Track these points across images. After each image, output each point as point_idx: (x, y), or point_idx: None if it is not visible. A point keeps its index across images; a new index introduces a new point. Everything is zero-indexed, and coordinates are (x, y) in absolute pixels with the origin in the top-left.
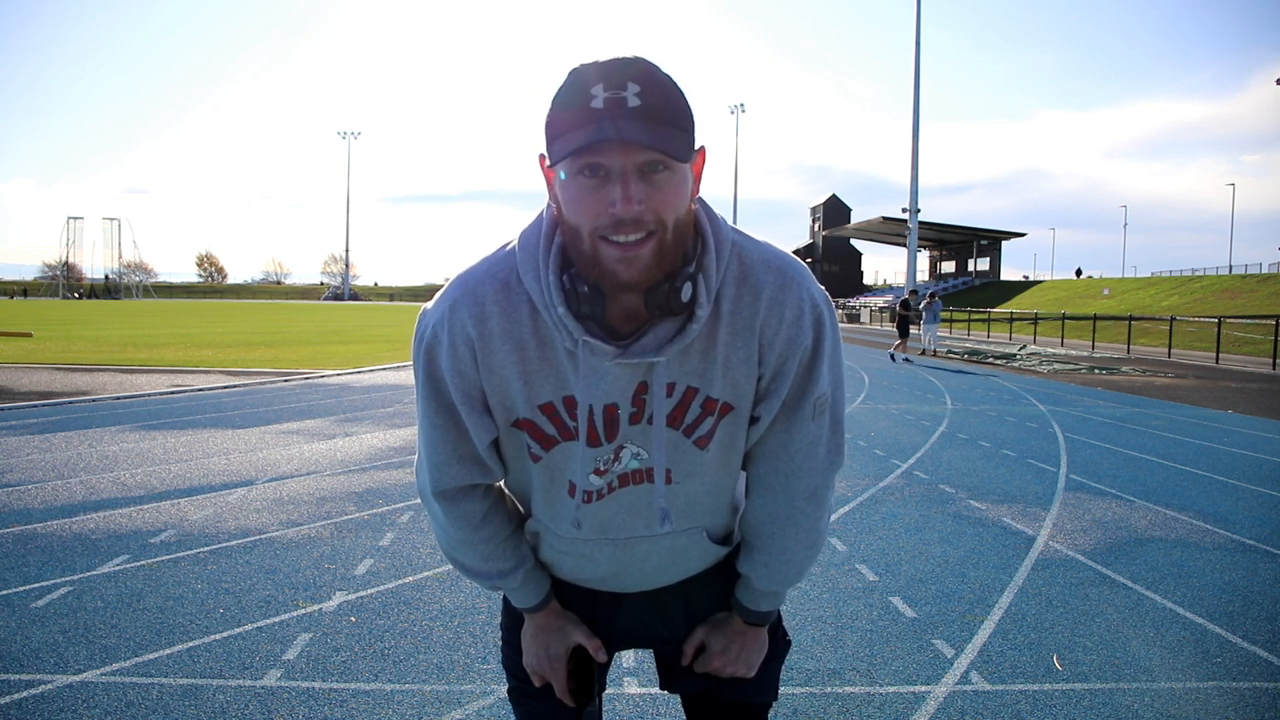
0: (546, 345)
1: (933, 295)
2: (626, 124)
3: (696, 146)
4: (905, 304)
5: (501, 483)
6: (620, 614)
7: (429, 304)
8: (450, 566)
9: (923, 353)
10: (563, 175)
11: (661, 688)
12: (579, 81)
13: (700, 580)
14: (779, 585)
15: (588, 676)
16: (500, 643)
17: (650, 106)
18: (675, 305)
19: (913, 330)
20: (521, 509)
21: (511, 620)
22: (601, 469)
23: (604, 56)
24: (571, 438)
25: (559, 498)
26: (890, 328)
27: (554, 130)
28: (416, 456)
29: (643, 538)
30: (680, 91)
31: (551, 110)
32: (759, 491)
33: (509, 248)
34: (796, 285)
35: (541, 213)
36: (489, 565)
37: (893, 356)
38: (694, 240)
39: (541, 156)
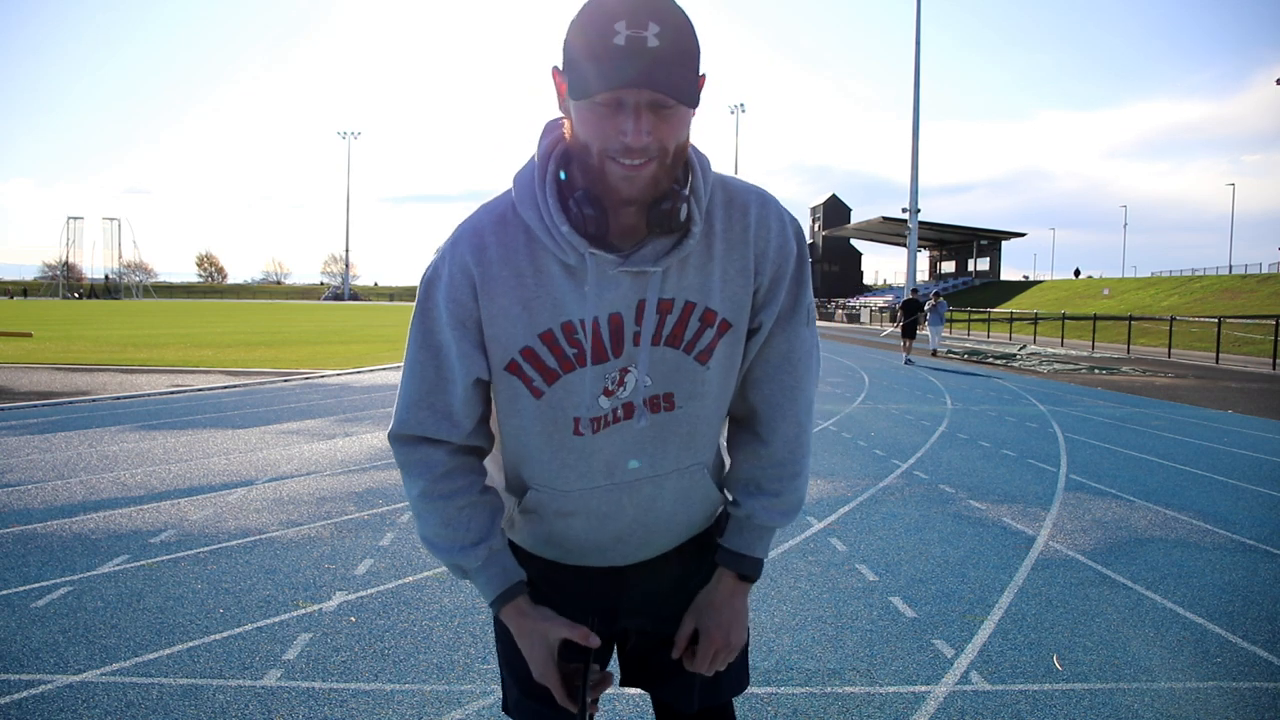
0: (543, 273)
1: (937, 295)
2: (645, 66)
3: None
4: (913, 304)
5: (487, 455)
6: (621, 594)
7: (436, 250)
8: None
9: (934, 353)
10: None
11: (625, 684)
12: (601, 13)
13: (693, 550)
14: (784, 518)
15: (582, 673)
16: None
17: (667, 48)
18: (674, 222)
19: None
20: (518, 481)
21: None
22: (610, 389)
23: None
24: (572, 368)
25: (564, 442)
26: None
27: (574, 55)
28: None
29: (648, 479)
30: (693, 30)
31: (572, 34)
32: (767, 414)
33: (505, 192)
34: (775, 203)
35: (533, 156)
36: (450, 532)
37: (907, 360)
38: (684, 166)
39: (556, 69)
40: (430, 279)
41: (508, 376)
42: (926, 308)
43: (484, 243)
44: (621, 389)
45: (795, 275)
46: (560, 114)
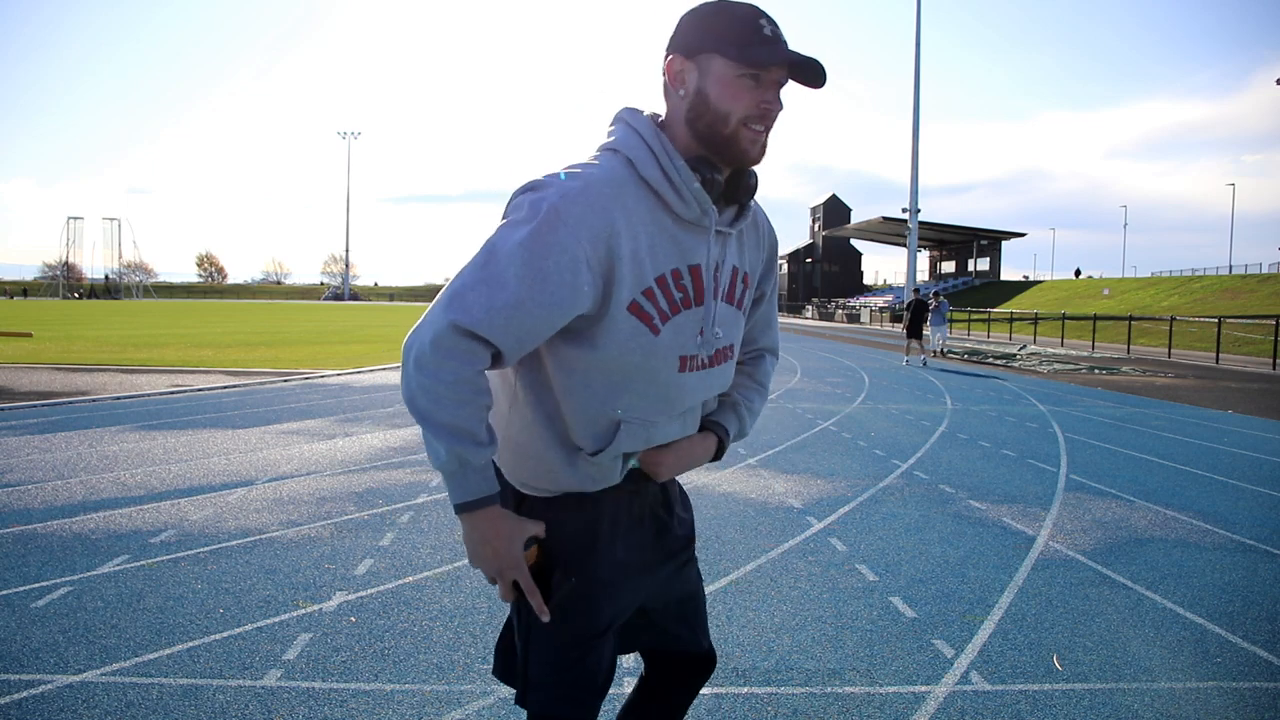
0: (660, 224)
1: (938, 295)
2: (785, 53)
3: None
4: (920, 305)
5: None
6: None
7: (546, 184)
8: (451, 566)
9: (941, 354)
10: (715, 72)
11: (622, 651)
12: (742, 13)
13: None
14: (760, 402)
15: (549, 569)
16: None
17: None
18: (752, 193)
19: (934, 330)
20: (600, 421)
21: (532, 620)
22: (703, 332)
23: None
24: (679, 310)
25: (670, 378)
26: (892, 327)
27: (726, 42)
28: (441, 299)
29: (693, 414)
30: None
31: (719, 27)
32: (761, 355)
33: (589, 165)
34: None
35: (624, 132)
36: (470, 426)
37: (924, 362)
38: None
39: (675, 57)
40: (557, 210)
41: (628, 316)
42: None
43: (619, 193)
44: (708, 335)
45: (775, 259)
46: (627, 107)
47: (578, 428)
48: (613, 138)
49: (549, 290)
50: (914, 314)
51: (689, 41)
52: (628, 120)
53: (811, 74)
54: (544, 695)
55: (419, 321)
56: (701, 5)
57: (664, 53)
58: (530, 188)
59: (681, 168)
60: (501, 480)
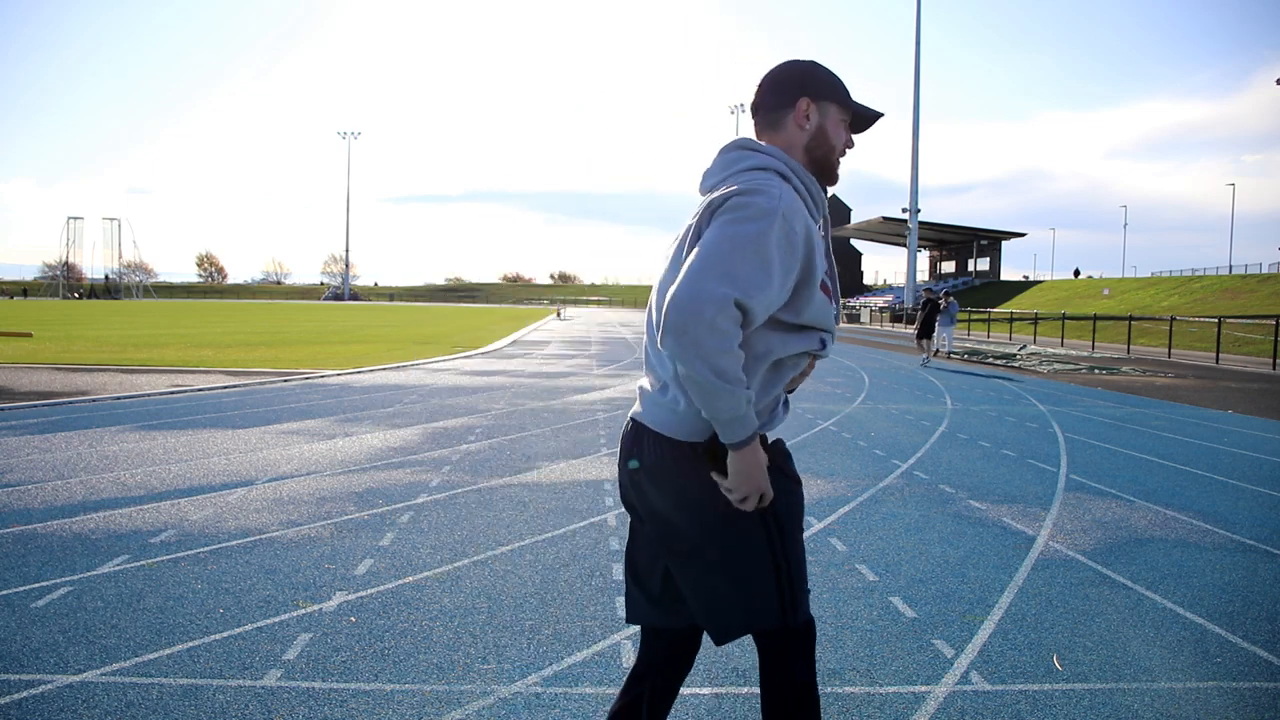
0: (813, 229)
1: (947, 295)
2: (872, 110)
3: None
4: (933, 303)
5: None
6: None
7: (761, 190)
8: (451, 566)
9: (948, 355)
10: (831, 115)
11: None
12: (837, 75)
13: None
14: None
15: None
16: (779, 576)
17: None
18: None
19: (941, 330)
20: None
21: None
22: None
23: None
24: (829, 297)
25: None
26: (891, 327)
27: (836, 91)
28: (708, 277)
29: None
30: None
31: (834, 82)
32: None
33: (768, 177)
34: None
35: (771, 152)
36: (740, 377)
37: (925, 362)
38: None
39: (805, 100)
40: (787, 214)
41: (822, 294)
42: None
43: (803, 204)
44: (838, 314)
45: None
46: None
47: (776, 379)
48: (763, 160)
49: (789, 269)
50: (927, 313)
51: (817, 90)
52: (766, 151)
53: (867, 124)
54: (805, 601)
55: (688, 297)
56: (814, 64)
57: (790, 95)
58: (750, 192)
59: (812, 183)
60: (702, 422)
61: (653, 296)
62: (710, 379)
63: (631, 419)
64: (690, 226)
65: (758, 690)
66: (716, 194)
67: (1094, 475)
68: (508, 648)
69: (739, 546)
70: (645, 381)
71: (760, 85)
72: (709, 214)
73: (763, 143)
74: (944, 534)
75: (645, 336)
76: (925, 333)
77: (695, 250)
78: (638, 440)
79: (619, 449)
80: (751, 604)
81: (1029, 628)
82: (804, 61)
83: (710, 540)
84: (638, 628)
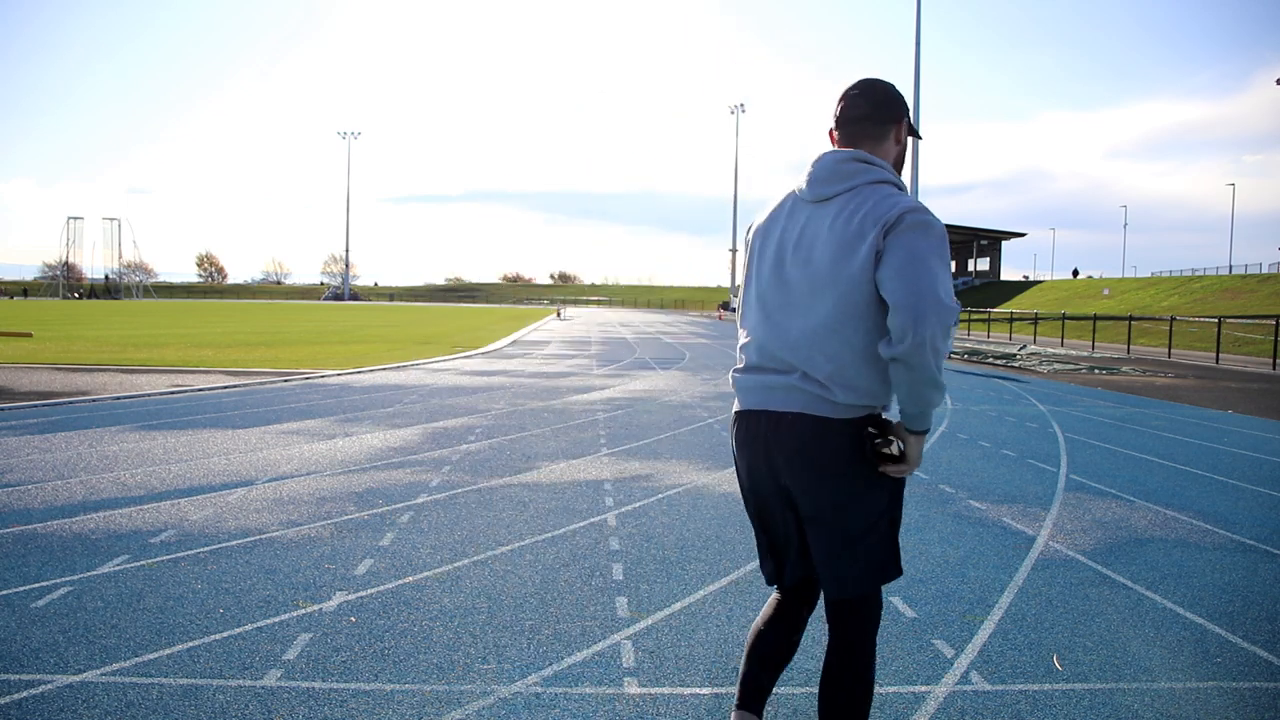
0: None
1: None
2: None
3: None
4: None
5: None
6: None
7: (924, 209)
8: (451, 566)
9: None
10: (906, 133)
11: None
12: None
13: None
14: None
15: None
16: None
17: None
18: None
19: None
20: None
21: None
22: None
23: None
24: None
25: None
26: None
27: (912, 121)
28: (936, 291)
29: None
30: None
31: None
32: None
33: (902, 193)
34: None
35: (886, 166)
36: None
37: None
38: None
39: (904, 120)
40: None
41: None
42: None
43: None
44: None
45: None
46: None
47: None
48: (883, 175)
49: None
50: None
51: (907, 112)
52: (882, 165)
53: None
54: (899, 558)
55: (926, 312)
56: (894, 86)
57: (894, 112)
58: (920, 210)
59: None
60: (852, 407)
61: (780, 288)
62: (936, 377)
63: (773, 411)
64: (829, 221)
65: None
66: (870, 207)
67: (1094, 475)
68: (508, 648)
69: (885, 512)
70: (785, 380)
71: (858, 97)
72: (883, 229)
73: (874, 156)
74: (944, 534)
75: (766, 335)
76: None
77: (903, 266)
78: (797, 428)
79: (754, 438)
80: (868, 563)
81: (1029, 628)
82: (891, 84)
83: (859, 507)
84: (636, 628)
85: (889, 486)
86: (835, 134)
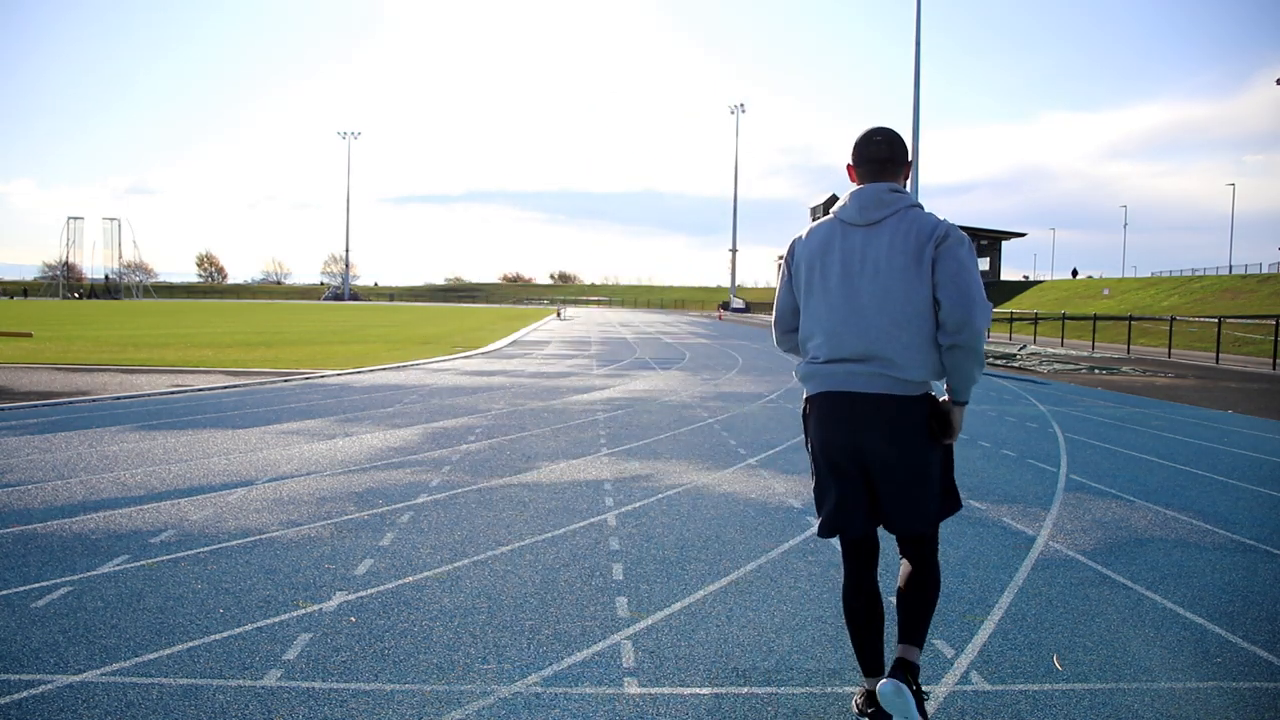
0: None
1: None
2: None
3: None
4: None
5: None
6: None
7: (948, 221)
8: (451, 566)
9: None
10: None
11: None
12: None
13: None
14: None
15: None
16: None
17: None
18: None
19: None
20: None
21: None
22: None
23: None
24: None
25: None
26: None
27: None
28: (981, 295)
29: None
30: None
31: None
32: None
33: (922, 208)
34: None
35: (910, 194)
36: None
37: None
38: None
39: (909, 164)
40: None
41: None
42: None
43: None
44: None
45: None
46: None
47: None
48: (912, 200)
49: None
50: None
51: (910, 157)
52: (908, 194)
53: None
54: (959, 495)
55: (974, 309)
56: (901, 136)
57: (906, 155)
58: (954, 226)
59: None
60: (920, 385)
61: (850, 295)
62: (982, 359)
63: (858, 393)
64: (887, 240)
65: (758, 690)
66: (918, 227)
67: (1094, 475)
68: (508, 648)
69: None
70: (866, 368)
71: (881, 143)
72: (934, 244)
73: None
74: (944, 534)
75: (858, 327)
76: None
77: (955, 273)
78: (880, 406)
79: (854, 408)
80: (940, 504)
81: (1029, 628)
82: (900, 134)
83: (921, 464)
84: (636, 628)
85: (945, 446)
86: (856, 170)
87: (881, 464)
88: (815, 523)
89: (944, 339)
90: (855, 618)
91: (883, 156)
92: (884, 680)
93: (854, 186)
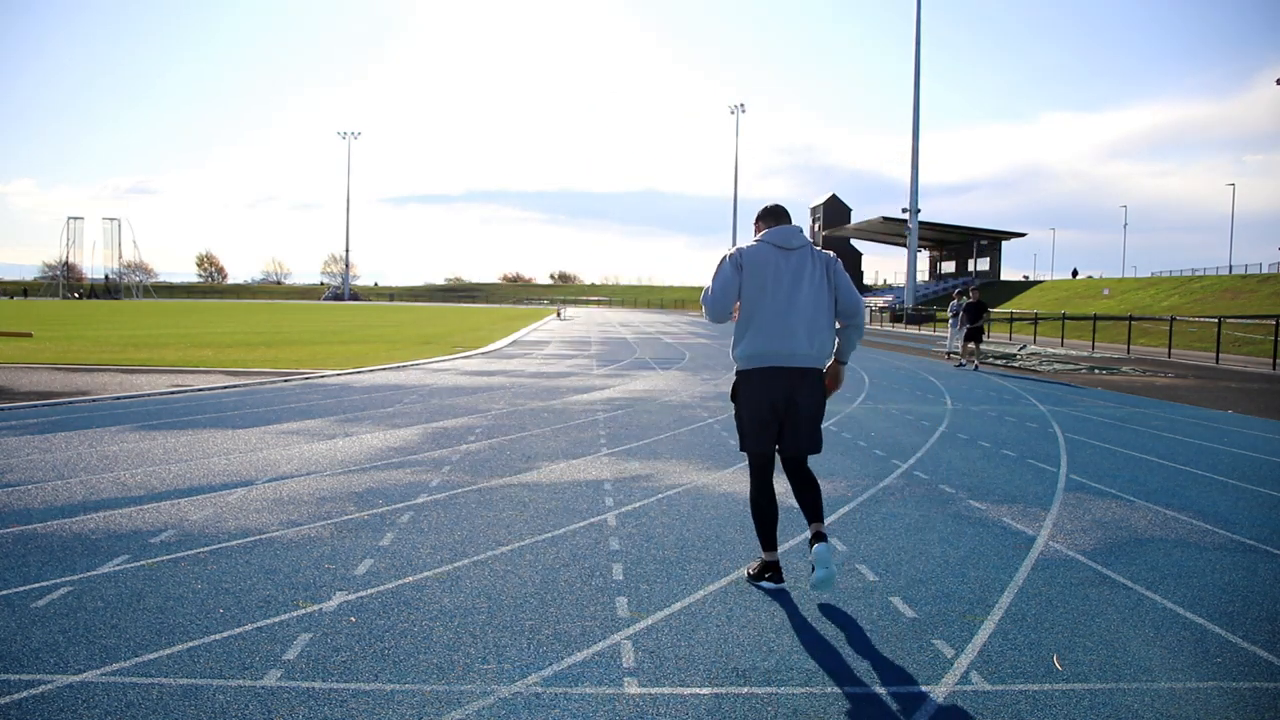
0: None
1: (959, 294)
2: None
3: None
4: (978, 306)
5: None
6: None
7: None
8: (451, 566)
9: (949, 355)
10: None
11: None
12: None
13: None
14: None
15: None
16: None
17: None
18: None
19: (955, 332)
20: None
21: None
22: None
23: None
24: None
25: None
26: (891, 327)
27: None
28: (859, 296)
29: None
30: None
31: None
32: None
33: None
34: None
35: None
36: None
37: (975, 366)
38: None
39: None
40: None
41: None
42: (950, 309)
43: None
44: None
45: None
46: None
47: None
48: (808, 238)
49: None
50: (973, 316)
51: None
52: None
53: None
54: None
55: (860, 303)
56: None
57: (787, 217)
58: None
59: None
60: (828, 357)
61: (795, 291)
62: (863, 333)
63: (798, 367)
64: (819, 259)
65: (758, 690)
66: (817, 250)
67: (1094, 475)
68: (508, 648)
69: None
70: (806, 349)
71: (781, 211)
72: (824, 263)
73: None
74: (944, 534)
75: (788, 327)
76: (974, 336)
77: (841, 281)
78: (806, 374)
79: (782, 379)
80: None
81: (1029, 628)
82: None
83: (821, 407)
84: (636, 628)
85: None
86: (765, 222)
87: (803, 410)
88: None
89: (843, 320)
90: (763, 512)
91: (784, 214)
92: (817, 545)
93: (765, 230)
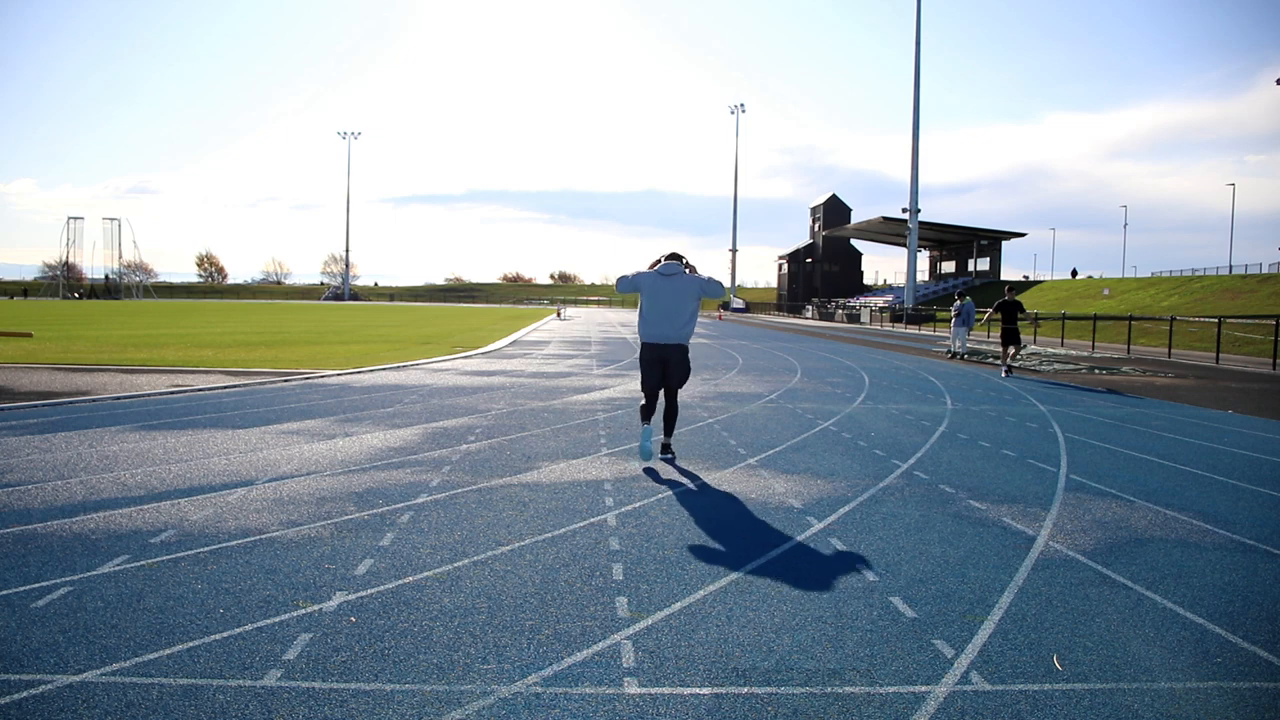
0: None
1: (962, 295)
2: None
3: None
4: (1010, 306)
5: None
6: None
7: (700, 272)
8: (451, 566)
9: (952, 356)
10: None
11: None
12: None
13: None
14: None
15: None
16: None
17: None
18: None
19: (956, 331)
20: None
21: None
22: None
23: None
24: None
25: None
26: (891, 327)
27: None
28: (718, 282)
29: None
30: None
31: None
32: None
33: (689, 268)
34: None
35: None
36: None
37: (1008, 370)
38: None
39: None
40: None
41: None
42: (953, 309)
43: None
44: None
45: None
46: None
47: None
48: (683, 267)
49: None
50: (1008, 316)
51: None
52: (683, 260)
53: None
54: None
55: (719, 289)
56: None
57: (681, 259)
58: (703, 276)
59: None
60: (688, 338)
61: (669, 301)
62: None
63: (669, 344)
64: (685, 281)
65: (758, 690)
66: (692, 273)
67: (1094, 475)
68: (508, 648)
69: (688, 365)
70: (674, 334)
71: (676, 257)
72: (693, 280)
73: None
74: (944, 534)
75: (665, 322)
76: (1011, 339)
77: (701, 280)
78: (674, 348)
79: (660, 349)
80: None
81: (1029, 628)
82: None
83: (687, 364)
84: (636, 628)
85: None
86: (663, 259)
87: (675, 365)
88: (815, 524)
89: (709, 299)
90: (649, 416)
91: (675, 257)
92: (662, 450)
93: (660, 264)
